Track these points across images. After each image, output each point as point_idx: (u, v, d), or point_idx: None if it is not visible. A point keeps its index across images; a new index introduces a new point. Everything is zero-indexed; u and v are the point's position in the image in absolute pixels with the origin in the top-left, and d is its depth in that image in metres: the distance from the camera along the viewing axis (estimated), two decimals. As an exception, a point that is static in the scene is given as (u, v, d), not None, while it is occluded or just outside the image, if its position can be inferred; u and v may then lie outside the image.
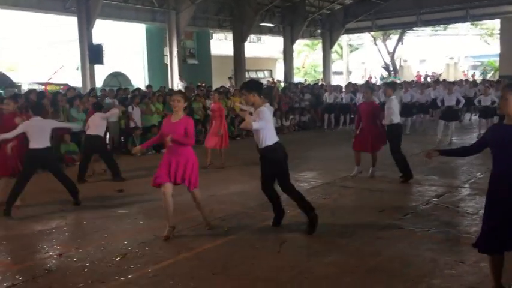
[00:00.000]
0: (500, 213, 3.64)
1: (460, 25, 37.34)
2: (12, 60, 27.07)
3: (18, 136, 7.30)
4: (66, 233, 6.04)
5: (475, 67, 43.13)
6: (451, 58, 44.13)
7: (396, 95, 9.13)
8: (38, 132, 6.94)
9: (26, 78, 22.25)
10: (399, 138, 8.46)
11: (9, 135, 6.86)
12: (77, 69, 19.05)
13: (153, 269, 4.72)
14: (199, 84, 18.34)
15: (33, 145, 6.91)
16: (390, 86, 9.05)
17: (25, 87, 18.87)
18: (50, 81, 13.14)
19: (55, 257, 5.16)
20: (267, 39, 34.64)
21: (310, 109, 18.98)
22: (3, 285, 4.42)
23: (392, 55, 37.54)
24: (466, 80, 22.78)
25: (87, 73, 17.40)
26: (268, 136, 5.51)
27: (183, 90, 17.49)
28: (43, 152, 6.94)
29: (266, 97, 10.17)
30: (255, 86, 5.66)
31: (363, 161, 8.77)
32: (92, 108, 9.97)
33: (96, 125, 9.29)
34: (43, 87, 15.02)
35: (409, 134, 14.74)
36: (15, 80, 19.49)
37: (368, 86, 11.98)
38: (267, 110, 5.52)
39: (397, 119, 8.49)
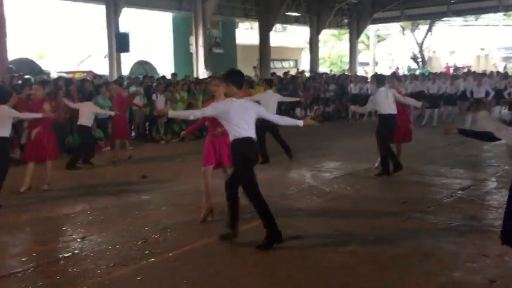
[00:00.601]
0: None
1: (491, 15, 36.30)
2: (41, 48, 27.57)
3: (43, 122, 7.45)
4: (90, 217, 6.16)
5: (506, 59, 41.95)
6: (482, 49, 43.01)
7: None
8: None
9: (54, 66, 22.65)
10: (388, 130, 8.12)
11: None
12: (104, 58, 19.31)
13: (173, 253, 4.79)
14: (223, 73, 18.34)
15: None
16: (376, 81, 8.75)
17: (53, 75, 19.23)
18: (78, 69, 13.36)
19: (79, 240, 5.28)
20: (292, 28, 34.38)
21: (335, 100, 18.83)
22: (28, 266, 4.55)
23: (421, 46, 36.81)
24: (497, 72, 22.19)
25: (114, 61, 17.63)
26: (231, 131, 4.92)
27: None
28: None
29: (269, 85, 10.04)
30: (233, 76, 5.16)
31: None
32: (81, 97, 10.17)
33: (85, 116, 9.27)
34: (70, 75, 15.31)
35: (436, 126, 14.49)
36: (44, 67, 19.87)
37: (395, 76, 11.81)
38: (226, 103, 4.99)
39: (384, 110, 8.05)
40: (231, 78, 5.10)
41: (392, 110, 8.05)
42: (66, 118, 10.75)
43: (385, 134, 8.11)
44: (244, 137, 4.88)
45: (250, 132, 4.92)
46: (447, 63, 38.09)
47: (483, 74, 17.57)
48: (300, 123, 5.29)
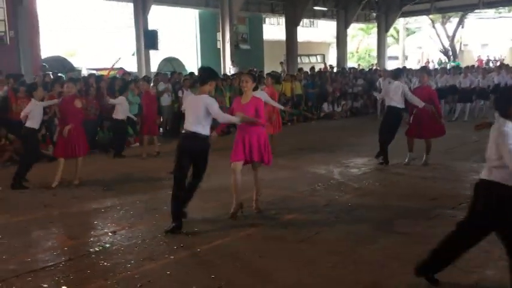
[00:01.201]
0: None
1: (526, 6, 35.21)
2: (73, 45, 28.11)
3: (76, 119, 7.62)
4: (120, 212, 6.27)
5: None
6: (516, 42, 41.80)
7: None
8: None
9: (85, 63, 23.11)
10: (393, 122, 8.42)
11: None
12: (132, 55, 19.58)
13: (201, 249, 4.83)
14: (250, 69, 18.38)
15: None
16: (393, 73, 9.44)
17: (84, 72, 19.63)
18: (109, 69, 13.62)
19: (109, 234, 5.38)
20: (320, 23, 34.13)
21: (362, 95, 18.62)
22: (60, 259, 4.66)
23: (451, 39, 35.98)
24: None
25: (143, 58, 17.88)
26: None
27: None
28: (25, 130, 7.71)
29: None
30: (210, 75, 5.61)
31: (417, 147, 8.54)
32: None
33: (115, 109, 10.20)
34: (99, 72, 15.58)
35: (467, 120, 14.17)
36: (75, 65, 20.30)
37: (424, 69, 11.62)
38: (187, 97, 6.00)
39: (392, 102, 8.35)
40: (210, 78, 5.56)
41: (399, 103, 8.31)
42: (96, 115, 10.95)
43: (388, 126, 8.42)
44: (186, 131, 5.33)
45: (194, 126, 5.29)
46: (479, 56, 37.13)
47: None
48: (236, 120, 5.56)
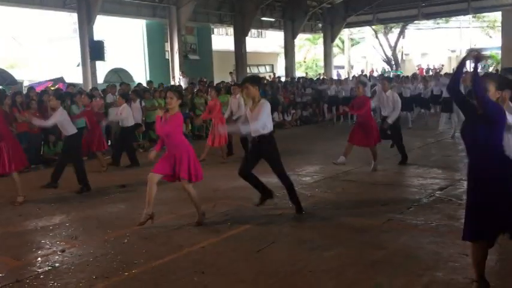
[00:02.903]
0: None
1: (461, 18, 37.17)
2: (14, 57, 27.05)
3: (12, 133, 7.23)
4: (70, 229, 6.04)
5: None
6: (453, 51, 43.94)
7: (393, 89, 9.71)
8: None
9: (27, 76, 22.27)
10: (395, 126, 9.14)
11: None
12: (77, 66, 19.04)
13: (156, 264, 4.72)
14: (200, 79, 18.34)
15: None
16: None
17: (26, 84, 18.90)
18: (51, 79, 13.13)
19: (59, 253, 5.16)
20: (268, 33, 34.57)
21: (312, 103, 18.96)
22: (6, 282, 4.42)
23: (393, 49, 37.40)
24: (467, 72, 22.62)
25: (89, 70, 17.40)
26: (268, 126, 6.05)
27: (185, 85, 17.52)
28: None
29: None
30: (257, 80, 6.35)
31: (365, 155, 8.78)
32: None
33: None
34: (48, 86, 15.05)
35: (411, 127, 14.71)
36: (16, 77, 19.51)
37: (360, 80, 11.97)
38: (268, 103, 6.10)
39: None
40: (256, 82, 6.16)
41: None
42: (39, 129, 10.47)
43: (393, 130, 9.21)
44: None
45: None
46: (419, 65, 38.75)
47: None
48: None
